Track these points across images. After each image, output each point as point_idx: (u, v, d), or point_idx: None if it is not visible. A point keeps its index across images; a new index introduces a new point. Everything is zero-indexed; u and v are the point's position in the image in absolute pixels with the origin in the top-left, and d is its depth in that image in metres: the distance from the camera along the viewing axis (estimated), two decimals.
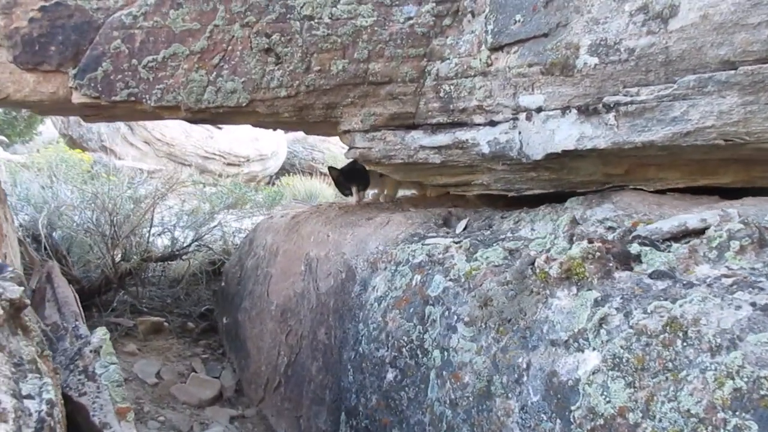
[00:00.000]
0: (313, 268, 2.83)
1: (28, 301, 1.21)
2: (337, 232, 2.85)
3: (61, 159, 4.45)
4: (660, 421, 1.18)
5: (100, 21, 2.32)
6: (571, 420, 1.35)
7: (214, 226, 4.10)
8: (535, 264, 1.63)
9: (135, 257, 3.42)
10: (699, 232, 1.53)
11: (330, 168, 3.26)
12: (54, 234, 3.51)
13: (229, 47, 2.30)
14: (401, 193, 3.49)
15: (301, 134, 16.54)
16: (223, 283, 3.69)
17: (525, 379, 1.53)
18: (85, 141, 12.83)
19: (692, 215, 1.59)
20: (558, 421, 1.40)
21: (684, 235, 1.56)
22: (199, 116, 2.40)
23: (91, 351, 1.49)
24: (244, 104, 2.32)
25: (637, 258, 1.52)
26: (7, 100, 2.41)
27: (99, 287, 3.41)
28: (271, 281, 3.12)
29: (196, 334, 3.58)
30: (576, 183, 2.18)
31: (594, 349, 1.38)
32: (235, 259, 3.71)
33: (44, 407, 1.04)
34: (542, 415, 1.45)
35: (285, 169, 15.76)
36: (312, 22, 2.26)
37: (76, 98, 2.37)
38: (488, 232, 2.28)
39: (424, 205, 2.99)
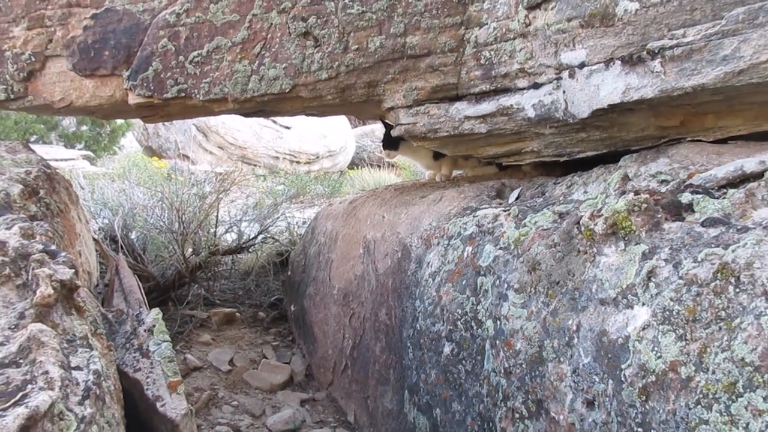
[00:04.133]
0: (371, 250, 2.85)
1: (79, 283, 1.29)
2: (392, 212, 2.85)
3: (132, 163, 4.68)
4: (713, 372, 1.10)
5: (146, 22, 2.41)
6: (623, 379, 1.29)
7: (278, 218, 4.20)
8: (581, 222, 1.56)
9: (204, 251, 3.56)
10: (758, 176, 1.42)
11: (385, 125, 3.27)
12: (130, 234, 3.70)
13: (269, 35, 2.34)
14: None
15: (369, 128, 16.66)
16: (289, 272, 3.77)
17: (575, 341, 1.47)
18: (164, 150, 13.49)
19: (750, 159, 1.47)
20: (610, 381, 1.34)
21: (741, 180, 1.45)
22: (246, 106, 2.46)
23: (144, 330, 1.56)
24: (287, 90, 2.35)
25: (689, 207, 1.42)
26: (71, 107, 2.56)
27: (173, 282, 3.57)
28: (332, 266, 3.16)
29: (266, 323, 3.69)
30: (629, 140, 2.07)
31: (643, 304, 1.30)
32: (300, 248, 3.79)
33: (91, 377, 1.10)
34: (594, 377, 1.40)
35: (354, 164, 15.92)
36: (346, 1, 2.26)
37: (132, 99, 2.48)
38: (540, 199, 2.21)
39: (479, 180, 2.94)
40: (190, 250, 3.62)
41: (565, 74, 1.97)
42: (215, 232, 3.78)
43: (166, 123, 14.37)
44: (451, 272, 2.14)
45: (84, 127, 13.14)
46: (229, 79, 2.38)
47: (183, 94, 2.43)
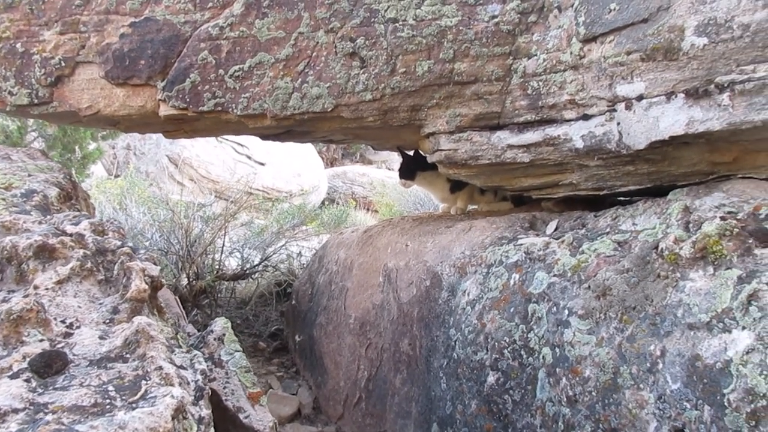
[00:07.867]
0: (392, 279, 2.78)
1: (164, 282, 1.20)
2: (416, 241, 2.80)
3: (131, 184, 4.54)
4: None
5: (187, 34, 2.37)
6: (725, 404, 1.26)
7: (281, 246, 4.10)
8: (660, 247, 1.55)
9: (209, 276, 3.43)
10: None
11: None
12: None
13: (314, 53, 2.31)
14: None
15: (341, 170, 16.75)
16: (293, 302, 3.66)
17: (660, 366, 1.44)
18: None
19: None
20: (706, 407, 1.30)
21: None
22: (284, 123, 2.41)
23: (214, 339, 1.46)
24: (329, 109, 2.32)
25: None
26: (97, 116, 2.46)
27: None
28: (347, 295, 3.08)
29: (268, 353, 3.55)
30: (677, 175, 2.10)
31: (744, 328, 1.29)
32: (305, 277, 3.69)
33: (199, 377, 1.01)
34: (685, 403, 1.36)
35: (324, 204, 15.91)
36: (396, 25, 2.26)
37: (164, 110, 2.41)
38: (583, 230, 2.20)
39: (495, 215, 2.92)
40: (194, 273, 3.48)
41: (621, 106, 1.99)
42: (220, 257, 3.65)
43: (137, 153, 14.15)
44: (496, 300, 2.10)
45: (53, 152, 12.82)
46: (270, 96, 2.34)
47: (219, 108, 2.37)
